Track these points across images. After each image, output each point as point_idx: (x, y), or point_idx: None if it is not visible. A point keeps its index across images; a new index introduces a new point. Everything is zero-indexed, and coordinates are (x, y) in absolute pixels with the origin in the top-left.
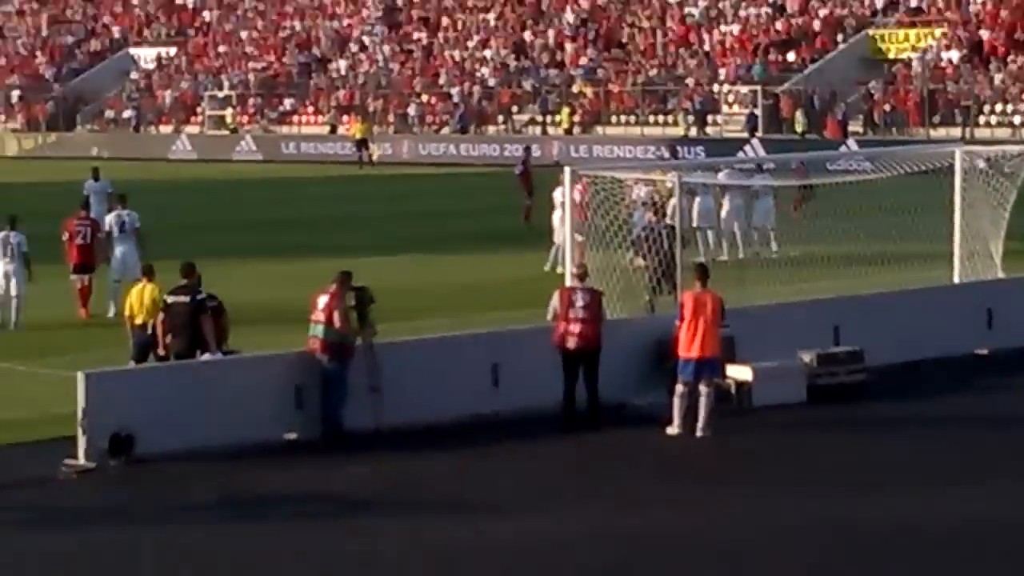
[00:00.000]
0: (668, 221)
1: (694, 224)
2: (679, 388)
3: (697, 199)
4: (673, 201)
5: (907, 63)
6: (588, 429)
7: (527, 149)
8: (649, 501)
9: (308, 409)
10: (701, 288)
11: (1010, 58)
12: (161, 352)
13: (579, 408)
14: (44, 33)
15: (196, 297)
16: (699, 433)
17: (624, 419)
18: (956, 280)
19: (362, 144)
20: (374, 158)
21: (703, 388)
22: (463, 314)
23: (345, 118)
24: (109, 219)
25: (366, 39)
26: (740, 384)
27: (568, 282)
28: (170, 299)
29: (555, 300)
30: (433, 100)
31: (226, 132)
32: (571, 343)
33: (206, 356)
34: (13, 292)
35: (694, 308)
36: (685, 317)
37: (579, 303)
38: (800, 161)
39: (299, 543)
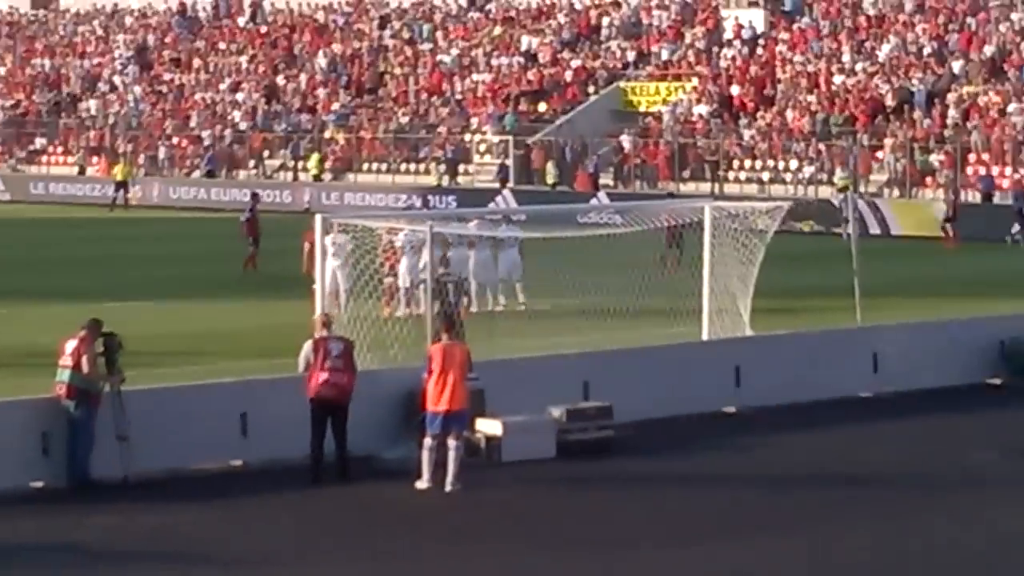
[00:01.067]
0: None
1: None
2: (427, 441)
3: (450, 251)
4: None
5: (657, 116)
6: (337, 481)
7: (254, 196)
8: (396, 556)
9: (54, 456)
10: (448, 339)
11: (759, 114)
12: None
13: (326, 460)
14: None
15: None
16: (448, 487)
17: (373, 472)
18: (705, 337)
19: (122, 186)
20: (131, 201)
21: (451, 442)
22: (212, 361)
23: (95, 159)
24: None
25: (116, 79)
26: (490, 438)
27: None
28: None
29: (307, 349)
30: (184, 143)
31: None
32: (325, 392)
33: None
34: None
35: (442, 360)
36: (433, 370)
37: (333, 352)
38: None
39: None
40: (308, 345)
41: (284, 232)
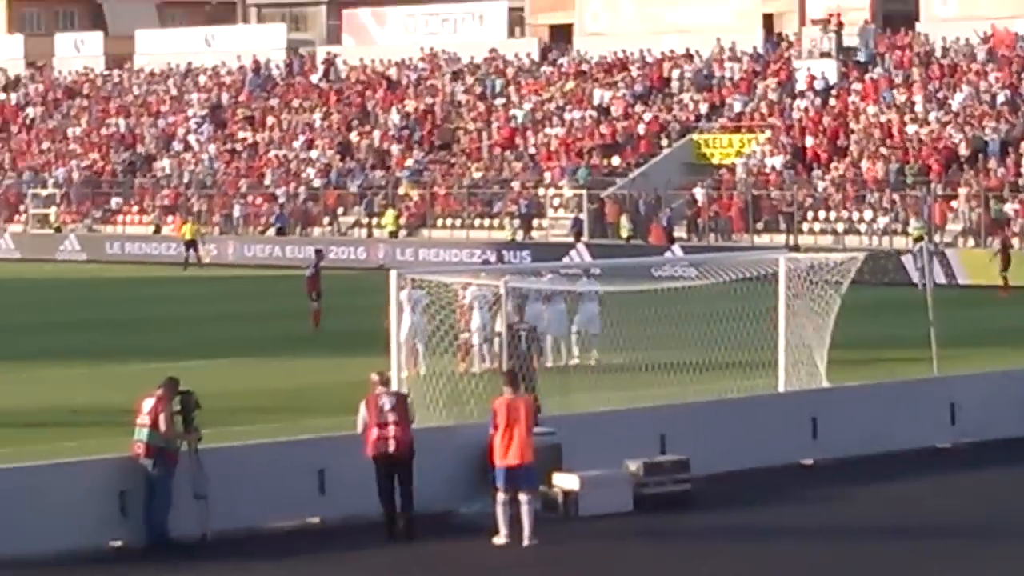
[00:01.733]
0: (525, 323)
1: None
2: (500, 496)
3: (529, 305)
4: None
5: (731, 168)
6: (405, 539)
7: (319, 252)
8: None
9: (132, 515)
10: (512, 393)
11: (832, 164)
12: None
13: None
14: None
15: None
16: (526, 542)
17: (452, 528)
18: (781, 389)
19: (191, 245)
20: (203, 259)
21: (522, 496)
22: (289, 418)
23: (170, 218)
24: None
25: (191, 137)
26: (567, 493)
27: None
28: None
29: (362, 410)
30: (258, 200)
31: (50, 231)
32: (386, 447)
33: None
34: None
35: (507, 415)
36: (498, 424)
37: (387, 407)
38: None
39: None
40: (362, 405)
41: (360, 289)
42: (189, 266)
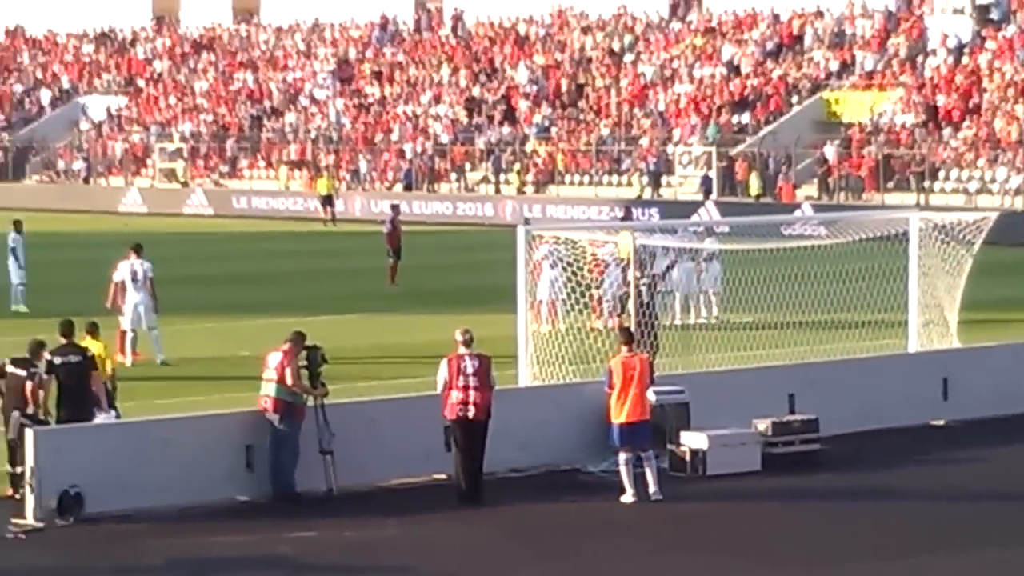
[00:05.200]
0: (647, 278)
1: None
2: (622, 456)
3: (656, 261)
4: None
5: (862, 127)
6: (472, 501)
7: (395, 208)
8: (603, 569)
9: (259, 469)
10: (628, 352)
11: (965, 124)
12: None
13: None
14: None
15: (85, 356)
16: (652, 497)
17: (579, 486)
18: (911, 349)
19: (327, 200)
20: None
21: (643, 453)
22: (415, 374)
23: (297, 173)
24: (123, 268)
25: (318, 92)
26: (695, 452)
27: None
28: (58, 359)
29: (443, 369)
30: (385, 156)
31: (177, 185)
32: (465, 412)
33: (100, 417)
34: (144, 324)
35: (623, 373)
36: (615, 384)
37: (468, 370)
38: None
39: None
40: (443, 364)
41: (490, 246)
42: (328, 222)
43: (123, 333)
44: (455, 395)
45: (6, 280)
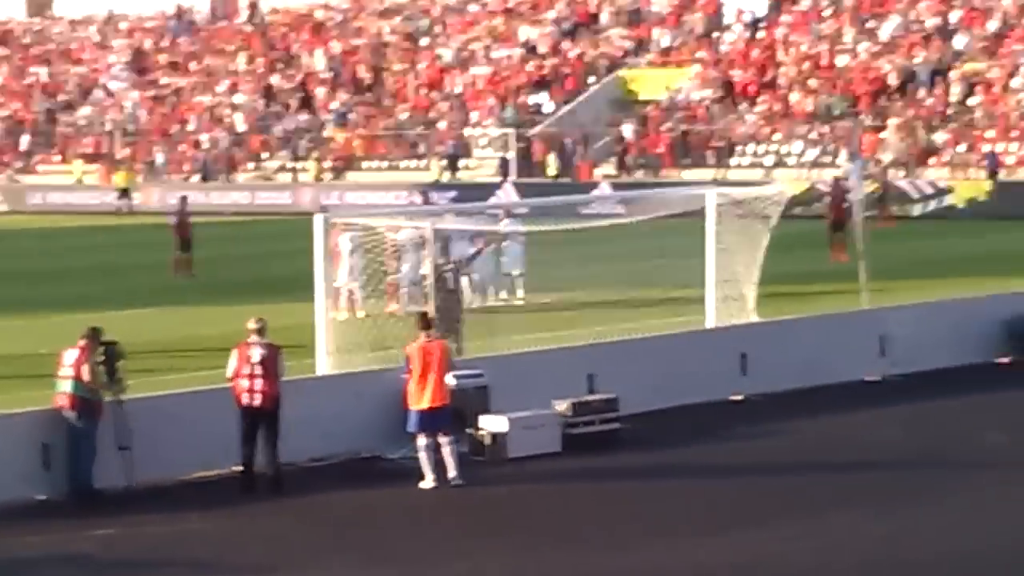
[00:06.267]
0: (451, 264)
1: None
2: (420, 441)
3: (453, 244)
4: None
5: (658, 104)
6: (271, 492)
7: (182, 199)
8: (405, 556)
9: (56, 468)
10: (426, 338)
11: (761, 99)
12: None
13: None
14: None
15: None
16: (452, 482)
17: (378, 473)
18: (709, 325)
19: (124, 193)
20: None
21: (442, 438)
22: (216, 366)
23: (94, 167)
24: None
25: (113, 85)
26: (495, 435)
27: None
28: None
29: (232, 358)
30: (182, 147)
31: None
32: (250, 400)
33: None
34: None
35: (422, 359)
36: (413, 370)
37: (255, 358)
38: None
39: None
40: (233, 352)
41: (288, 234)
42: (124, 214)
43: None
44: (242, 383)
45: None
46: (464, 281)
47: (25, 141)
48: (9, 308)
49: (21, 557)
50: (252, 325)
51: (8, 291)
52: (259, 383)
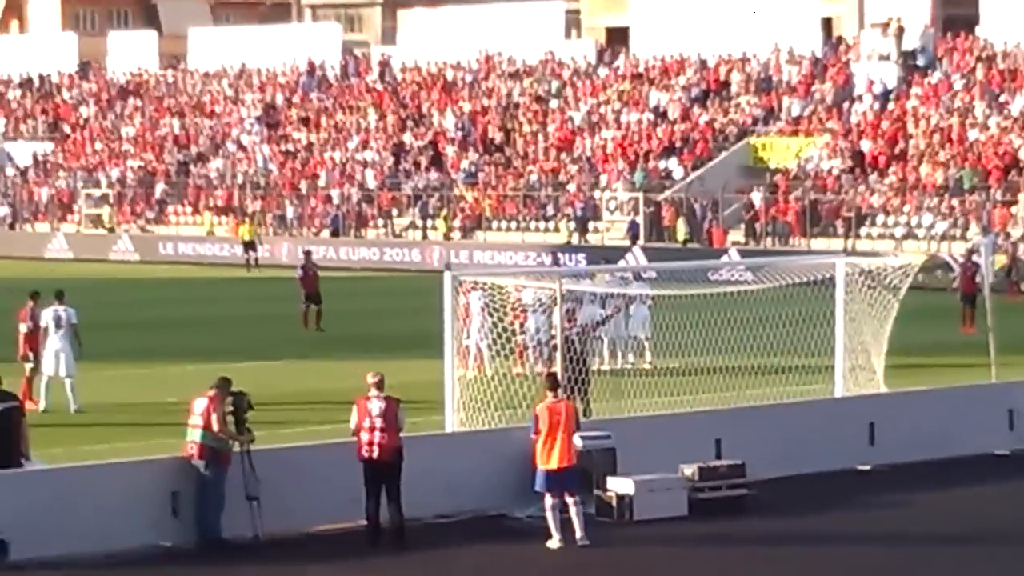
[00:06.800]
0: (577, 328)
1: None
2: (548, 500)
3: (583, 307)
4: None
5: (787, 172)
6: (394, 546)
7: (307, 253)
8: None
9: (184, 516)
10: (554, 398)
11: (891, 169)
12: None
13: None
14: None
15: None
16: (579, 542)
17: (505, 531)
18: (838, 394)
19: (250, 246)
20: (259, 260)
21: (569, 499)
22: (342, 420)
23: (224, 219)
24: (46, 314)
25: (244, 138)
26: (621, 497)
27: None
28: None
29: (353, 412)
30: (312, 202)
31: (103, 231)
32: (370, 452)
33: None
34: (63, 372)
35: (550, 419)
36: (541, 430)
37: (375, 411)
38: None
39: None
40: (354, 407)
41: (414, 291)
42: (251, 267)
43: (29, 380)
44: (363, 436)
45: None
46: (599, 343)
47: (158, 191)
48: (138, 356)
49: None
50: (371, 379)
51: (137, 340)
52: (379, 436)
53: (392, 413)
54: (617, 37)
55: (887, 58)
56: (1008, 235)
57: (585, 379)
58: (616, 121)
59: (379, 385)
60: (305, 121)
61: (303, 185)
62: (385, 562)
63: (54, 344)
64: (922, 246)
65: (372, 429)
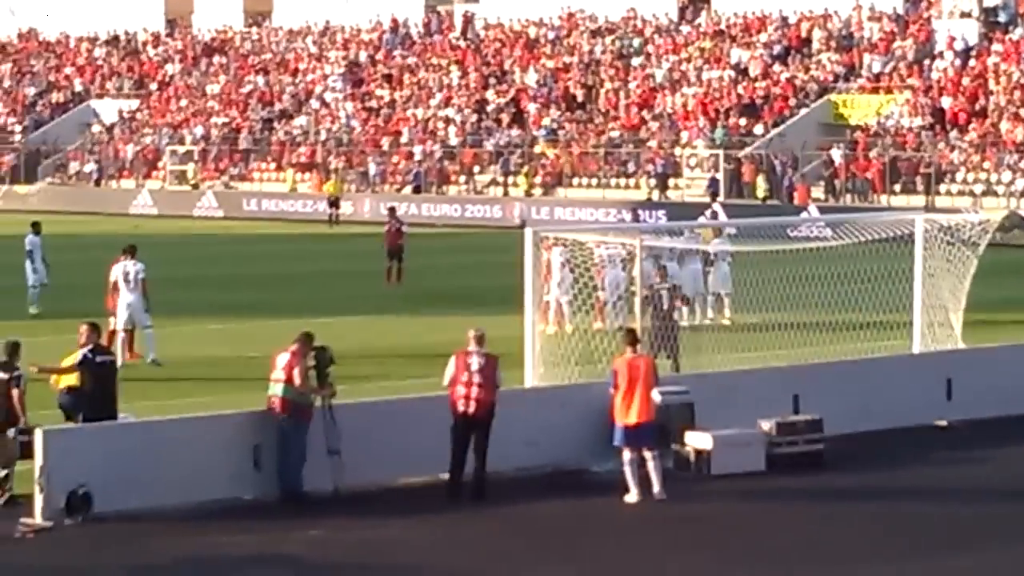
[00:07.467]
0: (668, 282)
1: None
2: (626, 455)
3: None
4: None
5: (868, 129)
6: (474, 500)
7: (391, 210)
8: (607, 569)
9: (265, 470)
10: (632, 353)
11: (971, 126)
12: None
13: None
14: (6, 84)
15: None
16: (656, 497)
17: (585, 485)
18: (916, 350)
19: (334, 202)
20: (341, 217)
21: (647, 453)
22: (424, 375)
23: (307, 176)
24: (116, 270)
25: (328, 95)
26: (699, 452)
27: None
28: (99, 358)
29: (451, 364)
30: (395, 158)
31: (187, 187)
32: (466, 407)
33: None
34: (140, 324)
35: (628, 374)
36: (619, 384)
37: (473, 367)
38: None
39: None
40: (452, 360)
41: (495, 247)
42: (334, 224)
43: (112, 333)
44: (459, 390)
45: (26, 282)
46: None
47: (243, 146)
48: (220, 312)
49: (230, 555)
50: (472, 333)
51: (221, 295)
52: (476, 391)
53: (491, 369)
54: None
55: (968, 15)
56: None
57: (674, 335)
58: (697, 78)
59: (480, 340)
60: (388, 78)
61: (385, 142)
62: (465, 516)
63: (125, 298)
64: (1001, 203)
65: (469, 384)
